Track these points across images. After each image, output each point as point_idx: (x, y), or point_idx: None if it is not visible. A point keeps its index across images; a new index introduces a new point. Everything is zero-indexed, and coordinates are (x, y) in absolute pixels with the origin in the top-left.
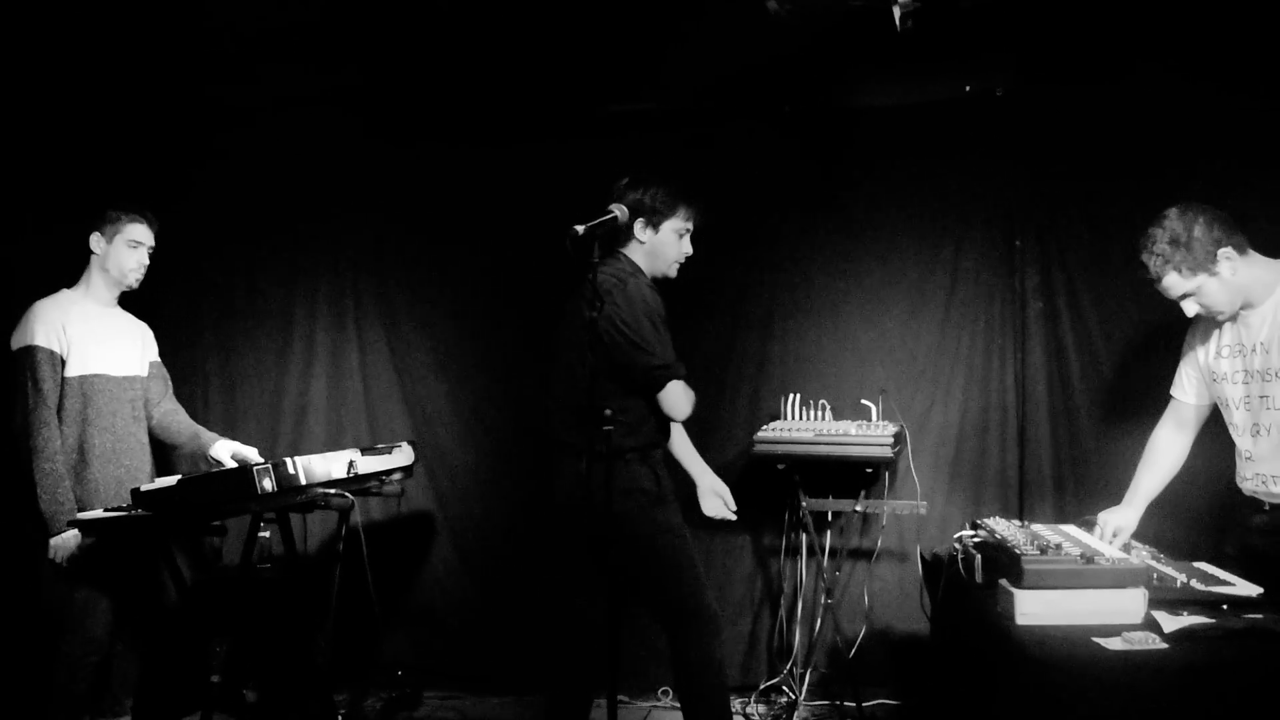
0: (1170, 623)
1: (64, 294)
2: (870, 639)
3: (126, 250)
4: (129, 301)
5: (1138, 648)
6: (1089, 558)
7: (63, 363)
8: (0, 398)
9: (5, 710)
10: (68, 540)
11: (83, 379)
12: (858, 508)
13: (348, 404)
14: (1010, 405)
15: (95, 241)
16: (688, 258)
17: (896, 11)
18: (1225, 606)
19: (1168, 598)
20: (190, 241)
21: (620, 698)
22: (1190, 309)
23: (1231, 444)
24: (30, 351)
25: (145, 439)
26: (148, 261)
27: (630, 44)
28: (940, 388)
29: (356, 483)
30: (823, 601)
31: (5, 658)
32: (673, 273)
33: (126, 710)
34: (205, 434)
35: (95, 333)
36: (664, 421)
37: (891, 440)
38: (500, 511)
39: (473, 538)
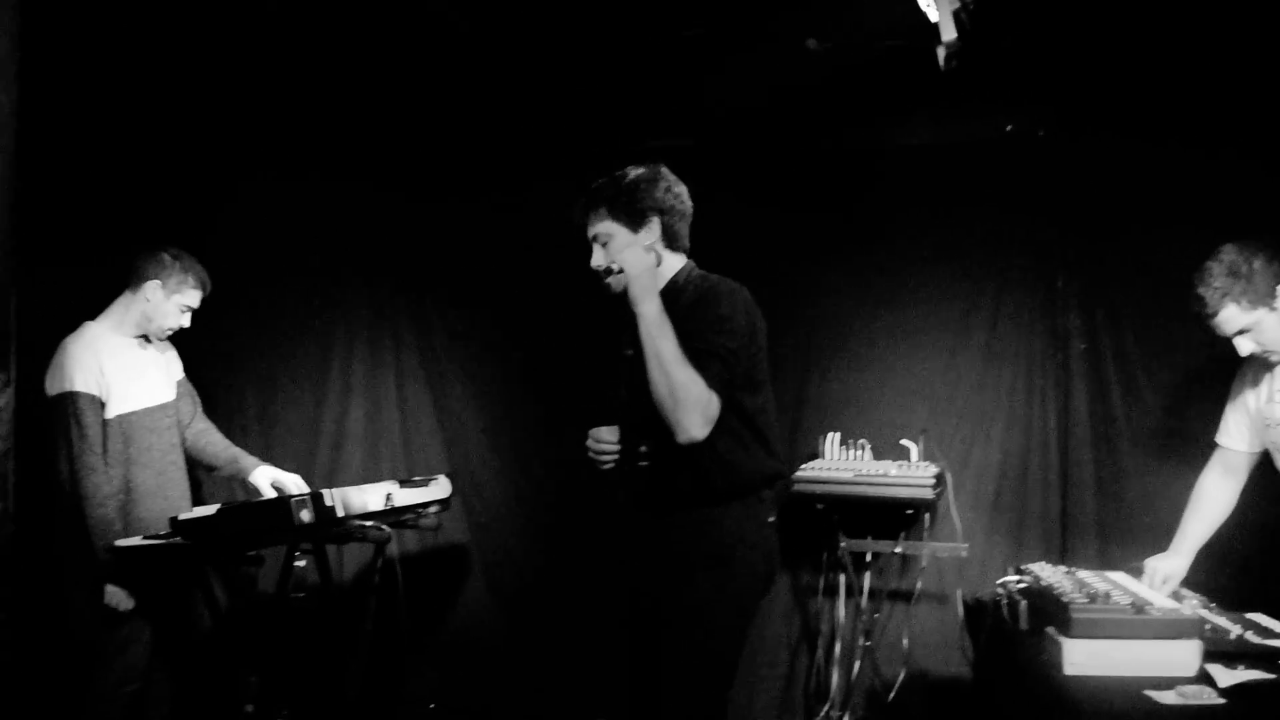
0: (1226, 677)
1: (89, 329)
2: (909, 682)
3: (176, 313)
4: None
5: (1193, 702)
6: (1139, 607)
7: (102, 405)
8: (39, 441)
9: None
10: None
11: (122, 419)
12: (897, 549)
13: (385, 435)
14: (1052, 446)
15: (151, 289)
16: None
17: (941, 52)
18: None
19: (1222, 650)
20: (228, 266)
21: None
22: (1245, 347)
23: None
24: (72, 398)
25: (183, 464)
26: (188, 324)
27: (669, 81)
28: (981, 428)
29: (393, 515)
30: (861, 643)
31: (32, 693)
32: None
33: None
34: (245, 458)
35: (127, 369)
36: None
37: (933, 481)
38: (534, 545)
39: (506, 571)
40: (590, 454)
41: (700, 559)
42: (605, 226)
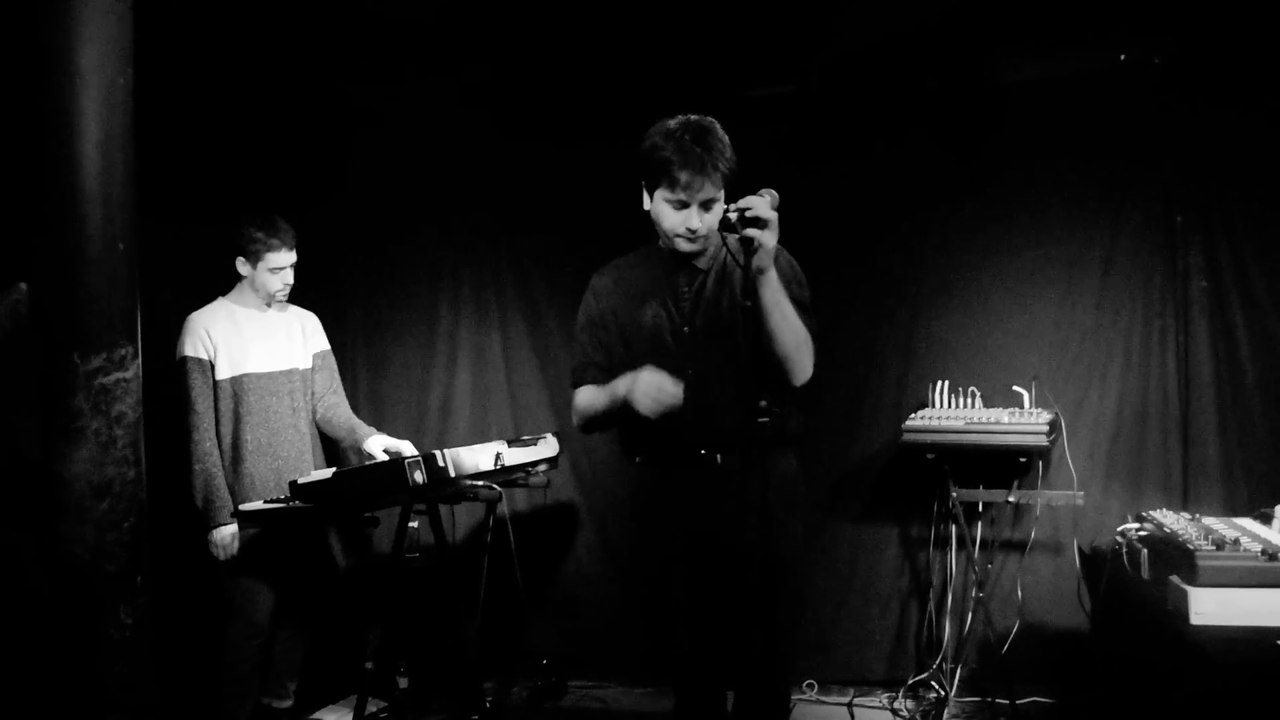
0: None
1: (216, 303)
2: (1024, 634)
3: (269, 275)
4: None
5: None
6: (1272, 554)
7: (211, 367)
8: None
9: (178, 692)
10: (224, 534)
11: (233, 380)
12: (1010, 498)
13: (491, 394)
14: (1172, 390)
15: (241, 265)
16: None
17: None
18: None
19: None
20: (335, 234)
21: None
22: None
23: None
24: (183, 362)
25: (306, 430)
26: (292, 279)
27: (768, 26)
28: (1096, 373)
29: (503, 474)
30: (973, 595)
31: (184, 642)
32: (678, 246)
33: (290, 693)
34: (361, 428)
35: (244, 334)
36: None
37: (1046, 428)
38: None
39: (615, 528)
40: (648, 399)
41: (790, 503)
42: (720, 194)
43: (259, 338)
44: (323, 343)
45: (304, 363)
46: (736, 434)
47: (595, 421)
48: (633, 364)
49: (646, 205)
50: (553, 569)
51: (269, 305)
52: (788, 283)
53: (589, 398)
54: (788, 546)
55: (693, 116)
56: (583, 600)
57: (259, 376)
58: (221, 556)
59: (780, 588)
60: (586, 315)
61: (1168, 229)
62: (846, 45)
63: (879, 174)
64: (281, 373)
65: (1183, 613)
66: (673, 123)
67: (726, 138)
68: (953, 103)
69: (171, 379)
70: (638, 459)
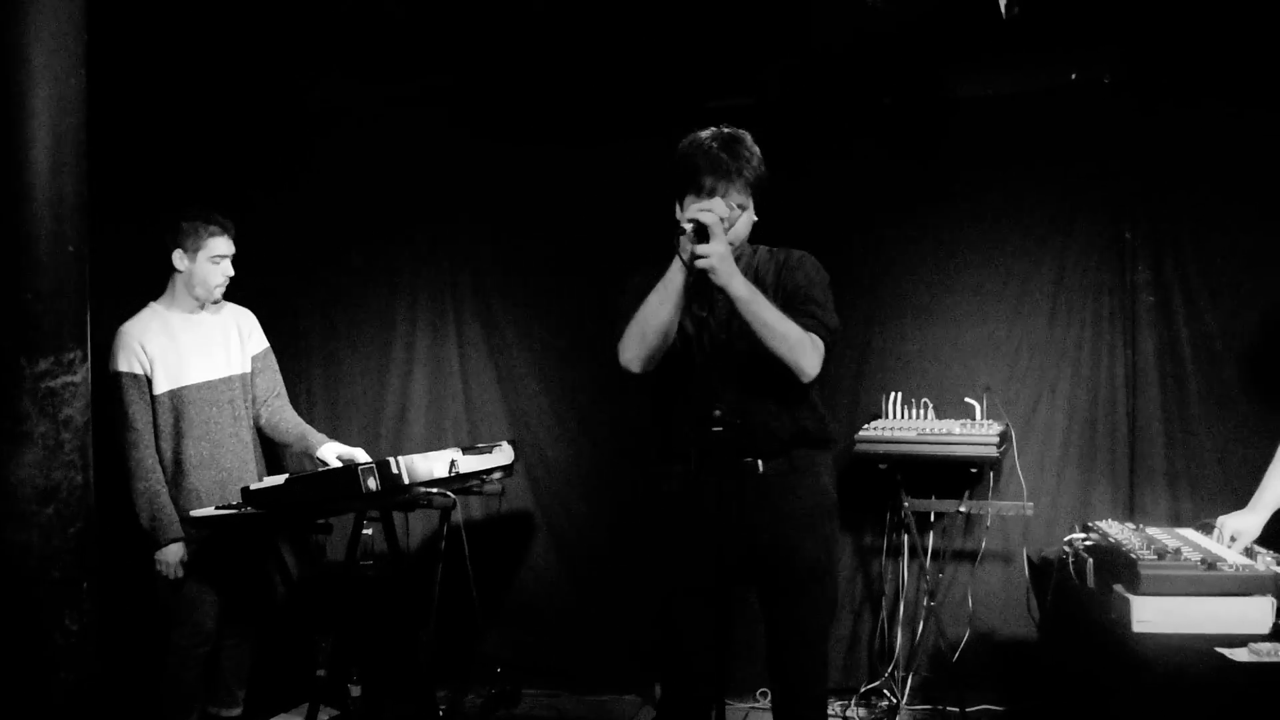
0: None
1: (147, 311)
2: (974, 643)
3: (210, 266)
4: (233, 292)
5: (1267, 659)
6: (1211, 563)
7: (148, 382)
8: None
9: (124, 700)
10: (172, 553)
11: (171, 394)
12: (961, 508)
13: (447, 403)
14: (1120, 403)
15: (179, 259)
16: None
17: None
18: None
19: None
20: (292, 241)
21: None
22: None
23: None
24: (116, 378)
25: (248, 438)
26: (232, 272)
27: (728, 40)
28: (1046, 385)
29: (458, 482)
30: (925, 604)
31: (122, 650)
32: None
33: (239, 701)
34: (313, 435)
35: (179, 343)
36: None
37: (997, 439)
38: (598, 509)
39: (571, 536)
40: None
41: (817, 509)
42: (747, 202)
43: (195, 345)
44: (261, 342)
45: (243, 367)
46: (778, 441)
47: (654, 316)
48: (670, 368)
49: (679, 215)
50: (507, 576)
51: (203, 306)
52: (811, 284)
53: (636, 316)
54: (820, 550)
55: (725, 128)
56: (537, 607)
57: (198, 387)
58: (171, 576)
59: (814, 591)
60: (628, 294)
61: (1117, 244)
62: (804, 60)
63: (834, 186)
64: (221, 380)
65: (1126, 621)
66: (704, 133)
67: (757, 149)
68: (908, 117)
69: (103, 392)
70: (670, 466)
